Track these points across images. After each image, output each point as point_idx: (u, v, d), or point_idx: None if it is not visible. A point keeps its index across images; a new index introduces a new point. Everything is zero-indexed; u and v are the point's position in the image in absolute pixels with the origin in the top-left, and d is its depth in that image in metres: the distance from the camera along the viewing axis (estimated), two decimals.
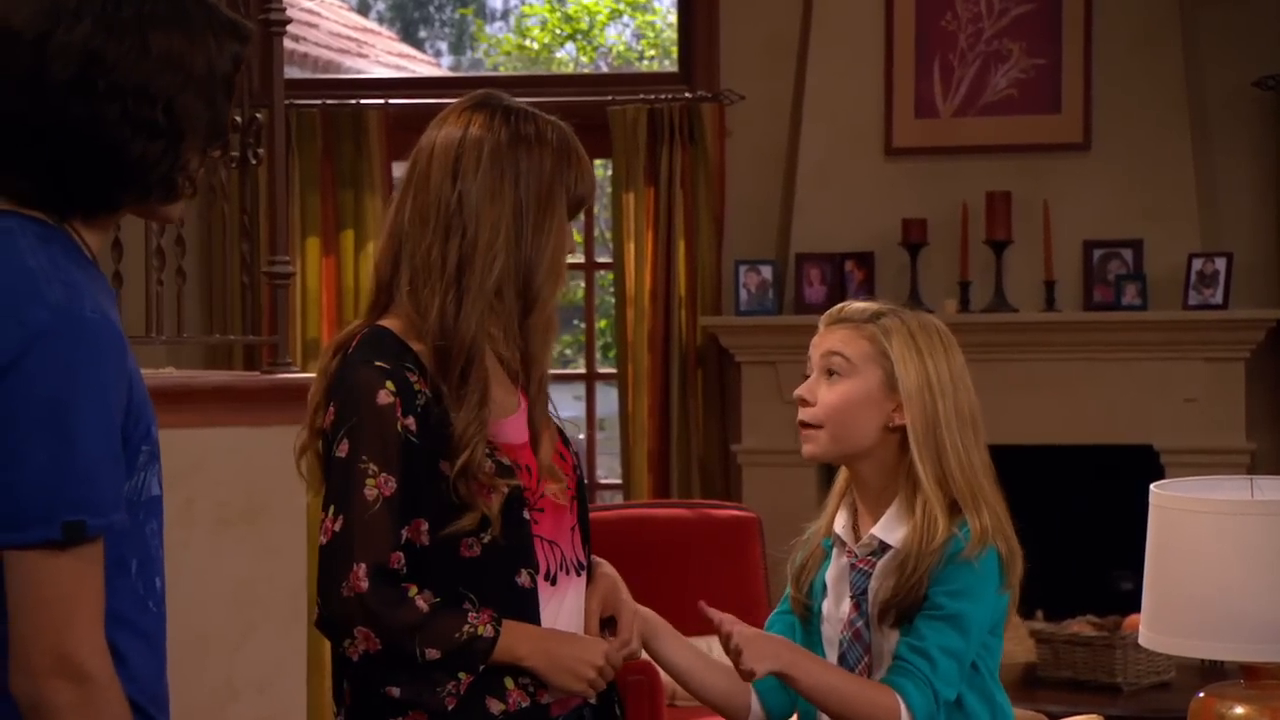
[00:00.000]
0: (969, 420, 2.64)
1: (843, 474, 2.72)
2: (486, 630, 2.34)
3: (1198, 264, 5.99)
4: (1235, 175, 6.19)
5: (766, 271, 6.26)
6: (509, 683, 2.37)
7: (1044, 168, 6.16)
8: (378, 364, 2.38)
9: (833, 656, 2.64)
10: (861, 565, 2.63)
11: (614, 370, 6.51)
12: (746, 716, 2.69)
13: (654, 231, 6.32)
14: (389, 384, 2.36)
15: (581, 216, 2.80)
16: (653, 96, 6.38)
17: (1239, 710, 3.16)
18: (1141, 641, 3.09)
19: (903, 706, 2.51)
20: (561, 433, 2.55)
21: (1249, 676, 3.19)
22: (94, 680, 1.83)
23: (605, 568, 2.59)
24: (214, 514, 3.99)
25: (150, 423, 1.95)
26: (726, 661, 2.58)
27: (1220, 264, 5.98)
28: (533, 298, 2.43)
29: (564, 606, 2.47)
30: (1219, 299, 5.96)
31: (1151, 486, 3.32)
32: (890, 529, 2.61)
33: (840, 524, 2.68)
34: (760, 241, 6.42)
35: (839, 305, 2.72)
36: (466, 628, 2.33)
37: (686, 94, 6.38)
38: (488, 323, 2.41)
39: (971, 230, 6.09)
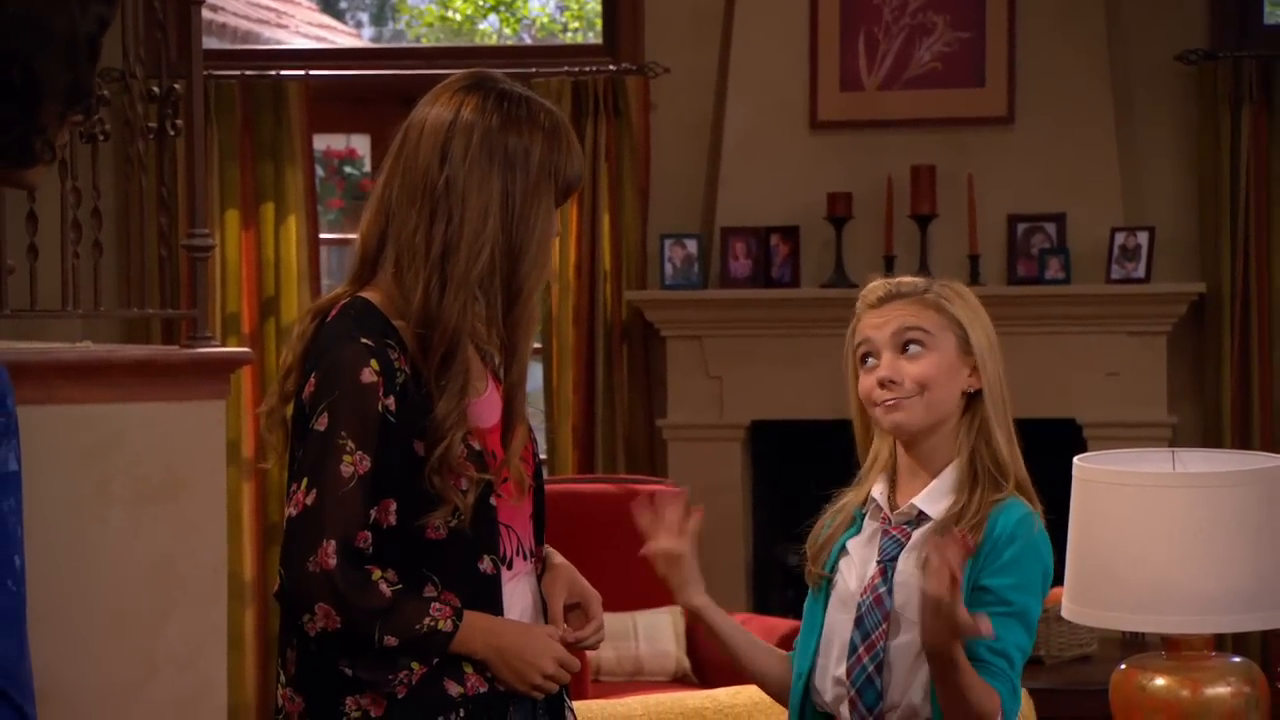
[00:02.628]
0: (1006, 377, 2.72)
1: (887, 446, 2.71)
2: (446, 625, 2.35)
3: (1120, 238, 6.02)
4: (1158, 149, 6.23)
5: (691, 245, 6.25)
6: (467, 668, 2.38)
7: (968, 141, 6.17)
8: (363, 340, 2.37)
9: (846, 619, 2.63)
10: (894, 533, 2.64)
11: (539, 345, 6.49)
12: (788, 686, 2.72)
13: (578, 205, 6.29)
14: (374, 362, 2.35)
15: None
16: (577, 69, 6.34)
17: (1160, 682, 3.18)
18: (1064, 614, 3.11)
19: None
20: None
21: (1170, 648, 3.21)
22: None
23: (560, 558, 2.59)
24: (133, 490, 3.95)
25: (5, 394, 1.88)
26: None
27: (1143, 238, 6.01)
28: (517, 289, 2.42)
29: (517, 590, 2.48)
30: (1141, 273, 6.00)
31: (1074, 460, 3.33)
32: (934, 500, 2.63)
33: (877, 490, 2.69)
34: (685, 215, 6.40)
35: (880, 284, 2.71)
36: (428, 620, 2.34)
37: (611, 66, 6.35)
38: (471, 312, 2.40)
39: (896, 204, 6.10)
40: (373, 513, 2.36)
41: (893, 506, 2.68)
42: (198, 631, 4.06)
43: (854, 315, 2.72)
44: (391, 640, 2.33)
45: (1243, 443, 6.00)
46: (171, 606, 4.01)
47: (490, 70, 2.51)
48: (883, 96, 6.21)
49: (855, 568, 2.66)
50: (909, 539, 2.63)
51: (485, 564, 2.41)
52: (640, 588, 5.69)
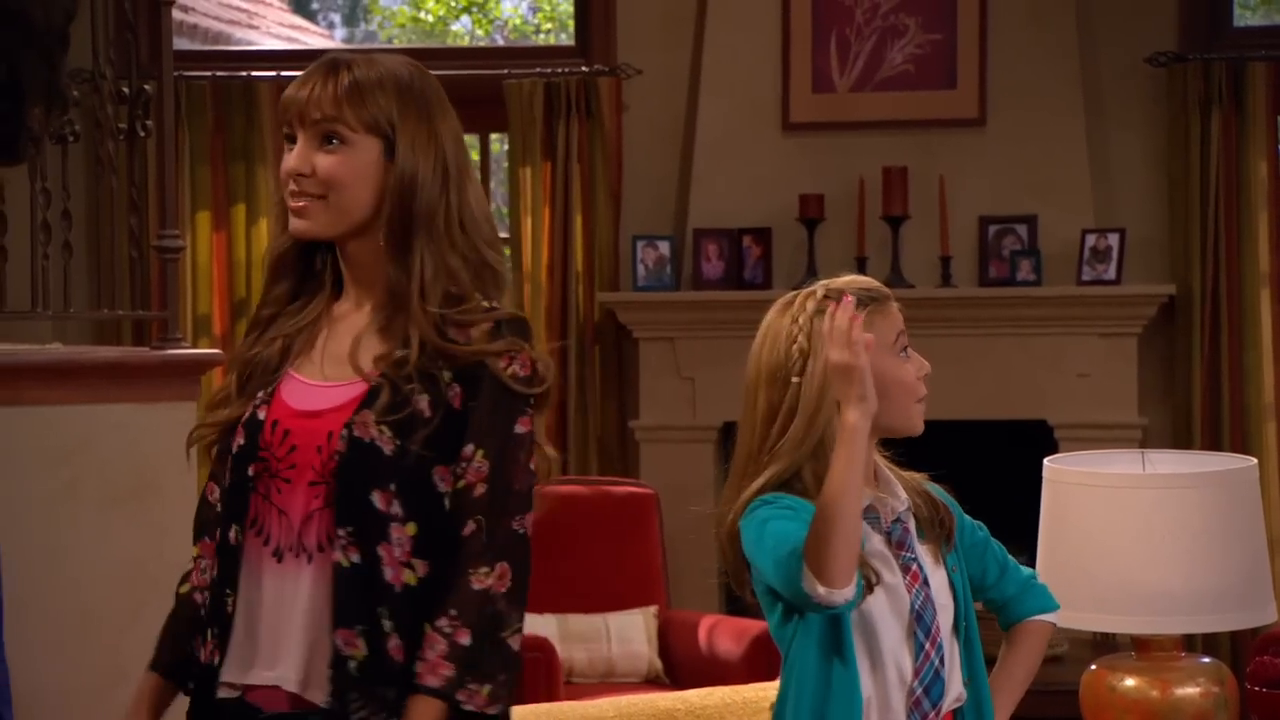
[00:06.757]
0: None
1: (873, 446, 2.63)
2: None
3: (1091, 240, 6.04)
4: (1128, 151, 6.25)
5: (664, 247, 6.25)
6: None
7: (940, 143, 6.18)
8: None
9: (899, 621, 2.55)
10: (907, 526, 2.60)
11: None
12: None
13: (551, 207, 6.28)
14: None
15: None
16: (549, 70, 6.34)
17: (1130, 682, 3.19)
18: None
19: (1045, 616, 2.73)
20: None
21: (1140, 649, 3.22)
22: None
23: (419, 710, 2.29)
24: (102, 492, 3.94)
25: None
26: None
27: (1113, 240, 6.03)
28: None
29: (285, 586, 2.33)
30: (1112, 274, 6.02)
31: (1045, 461, 3.34)
32: (899, 490, 2.63)
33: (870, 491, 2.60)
34: (658, 217, 6.40)
35: (866, 282, 2.69)
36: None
37: (583, 68, 6.35)
38: None
39: (868, 205, 6.11)
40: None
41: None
42: None
43: (879, 301, 2.63)
44: None
45: (1213, 444, 6.02)
46: (141, 608, 3.99)
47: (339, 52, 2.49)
48: (855, 98, 6.22)
49: (883, 566, 2.56)
50: (907, 531, 2.60)
51: (232, 534, 2.37)
52: (613, 589, 5.70)
